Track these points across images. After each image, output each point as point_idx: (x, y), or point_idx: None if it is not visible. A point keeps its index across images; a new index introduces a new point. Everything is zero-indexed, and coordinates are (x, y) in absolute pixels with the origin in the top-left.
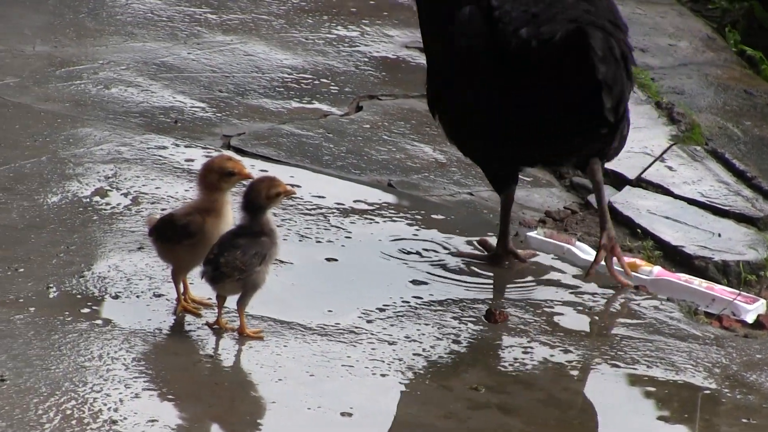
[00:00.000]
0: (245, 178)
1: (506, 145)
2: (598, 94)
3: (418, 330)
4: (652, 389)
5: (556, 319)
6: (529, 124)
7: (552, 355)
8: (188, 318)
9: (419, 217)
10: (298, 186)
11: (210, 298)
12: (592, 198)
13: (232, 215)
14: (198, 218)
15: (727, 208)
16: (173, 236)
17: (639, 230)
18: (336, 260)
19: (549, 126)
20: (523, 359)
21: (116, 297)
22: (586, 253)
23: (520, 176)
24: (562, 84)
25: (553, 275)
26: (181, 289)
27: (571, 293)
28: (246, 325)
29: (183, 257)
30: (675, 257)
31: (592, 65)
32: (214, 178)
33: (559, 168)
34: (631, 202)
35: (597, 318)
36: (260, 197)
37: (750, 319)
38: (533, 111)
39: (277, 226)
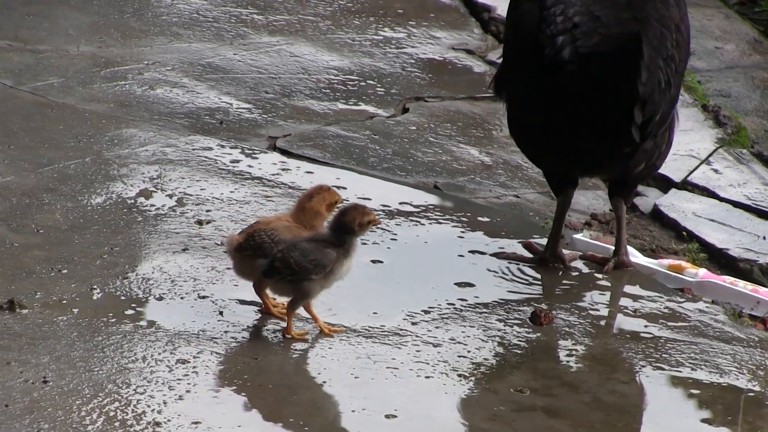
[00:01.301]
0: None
1: (541, 146)
2: (627, 112)
3: (463, 332)
4: (697, 391)
5: (601, 321)
6: (558, 132)
7: (597, 358)
8: (232, 320)
9: (465, 219)
10: (344, 188)
11: (275, 298)
12: (638, 201)
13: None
14: None
15: None
16: None
17: (684, 233)
18: (381, 262)
19: (574, 138)
20: (568, 361)
21: (160, 299)
22: (632, 255)
23: None
24: (591, 98)
25: (599, 278)
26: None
27: (616, 295)
28: (292, 327)
29: None
30: (720, 260)
31: (633, 82)
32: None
33: (595, 177)
34: (676, 204)
35: (642, 320)
36: (354, 224)
37: None
38: (561, 120)
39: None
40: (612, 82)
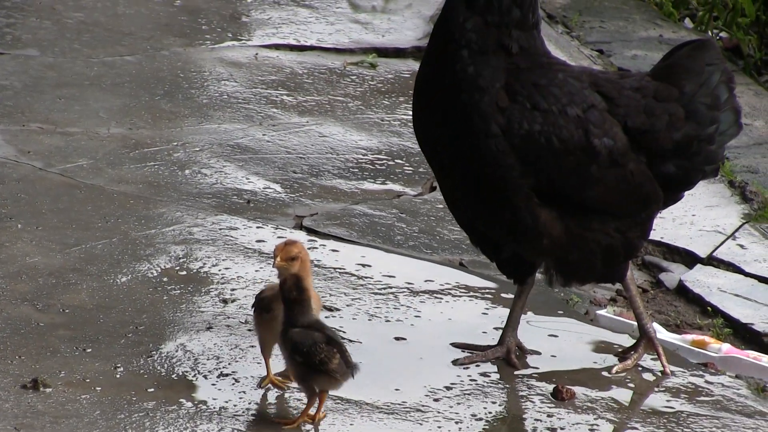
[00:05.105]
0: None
1: None
2: None
3: (485, 408)
4: None
5: (622, 396)
6: None
7: None
8: (253, 397)
9: (489, 296)
10: (369, 266)
11: None
12: (664, 277)
13: None
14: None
15: None
16: None
17: (709, 308)
18: (404, 339)
19: None
20: None
21: (183, 376)
22: (656, 331)
23: None
24: None
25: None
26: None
27: (638, 370)
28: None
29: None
30: (744, 334)
31: None
32: None
33: None
34: (701, 280)
35: (664, 395)
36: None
37: None
38: None
39: (347, 305)
40: None
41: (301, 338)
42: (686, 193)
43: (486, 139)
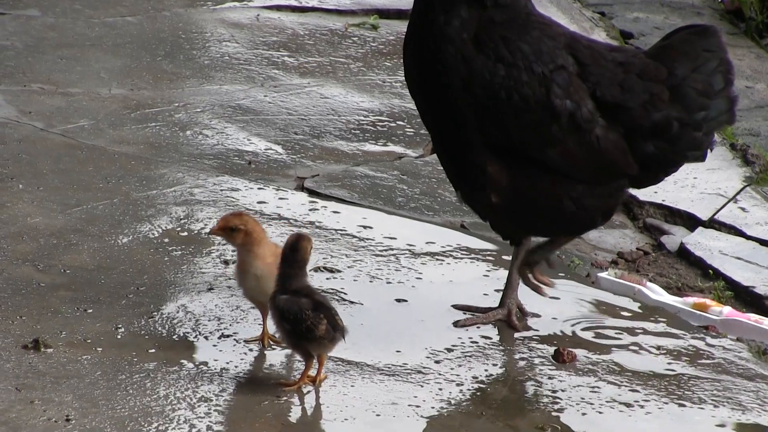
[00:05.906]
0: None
1: None
2: None
3: (486, 370)
4: (719, 429)
5: (624, 358)
6: None
7: (619, 395)
8: (254, 358)
9: (491, 258)
10: (370, 227)
11: None
12: (665, 239)
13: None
14: None
15: None
16: None
17: (710, 271)
18: (406, 301)
19: None
20: (590, 399)
21: (184, 337)
22: (657, 293)
23: None
24: None
25: (623, 315)
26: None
27: (639, 333)
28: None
29: None
30: (746, 297)
31: None
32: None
33: None
34: (703, 243)
35: (665, 357)
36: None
37: None
38: None
39: (348, 267)
40: None
41: (287, 305)
42: None
43: (448, 89)
